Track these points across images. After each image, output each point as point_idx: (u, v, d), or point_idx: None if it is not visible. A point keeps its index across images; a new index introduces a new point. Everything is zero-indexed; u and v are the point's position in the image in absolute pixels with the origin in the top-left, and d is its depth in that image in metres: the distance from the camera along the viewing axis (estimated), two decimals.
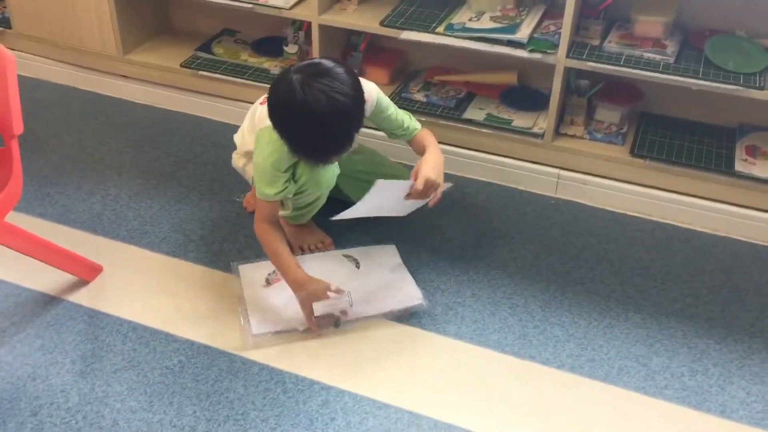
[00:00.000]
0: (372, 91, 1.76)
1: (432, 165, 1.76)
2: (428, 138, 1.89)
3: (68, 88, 2.64)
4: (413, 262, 1.92)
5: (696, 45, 2.05)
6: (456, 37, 2.10)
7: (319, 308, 1.69)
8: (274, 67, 2.45)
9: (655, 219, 2.10)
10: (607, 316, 1.80)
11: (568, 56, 2.01)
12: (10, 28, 2.64)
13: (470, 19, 2.16)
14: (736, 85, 1.91)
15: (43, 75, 2.67)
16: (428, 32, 2.13)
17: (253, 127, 1.83)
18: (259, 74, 2.42)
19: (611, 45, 2.04)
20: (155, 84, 2.53)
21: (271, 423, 1.53)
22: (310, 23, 2.26)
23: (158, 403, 1.56)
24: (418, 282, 1.86)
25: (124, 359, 1.66)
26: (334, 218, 1.75)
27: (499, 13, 2.17)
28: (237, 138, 1.97)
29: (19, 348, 1.68)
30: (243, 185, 2.09)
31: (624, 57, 2.00)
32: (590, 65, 2.00)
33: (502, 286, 1.87)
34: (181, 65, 2.48)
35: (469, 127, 2.21)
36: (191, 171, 2.25)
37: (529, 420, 1.55)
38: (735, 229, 2.04)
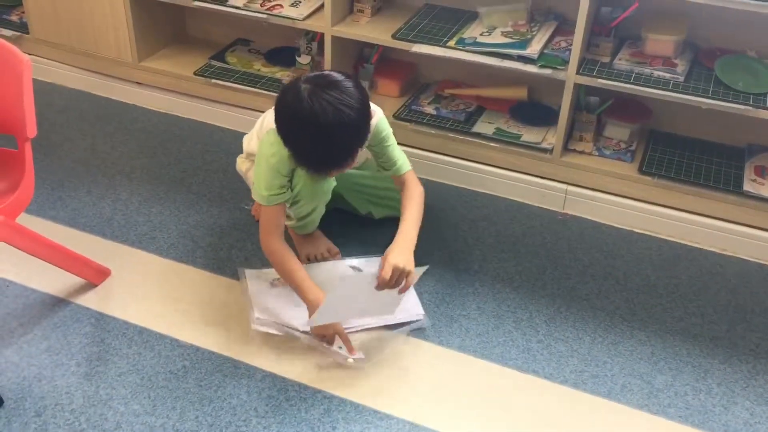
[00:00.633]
0: (375, 114, 1.71)
1: (399, 250, 1.64)
2: (412, 189, 1.79)
3: (83, 93, 2.67)
4: None
5: (706, 64, 2.05)
6: (467, 51, 2.12)
7: (325, 351, 1.70)
8: (286, 77, 2.46)
9: (662, 237, 2.10)
10: (612, 332, 1.79)
11: (578, 72, 2.02)
12: (27, 33, 2.68)
13: (482, 34, 2.17)
14: (745, 104, 1.91)
15: (59, 80, 2.70)
16: (440, 46, 2.14)
17: (261, 131, 1.84)
18: (271, 84, 2.44)
19: (621, 62, 2.05)
20: (168, 91, 2.56)
21: (272, 430, 1.53)
22: (323, 34, 2.28)
23: (161, 407, 1.57)
24: (423, 294, 1.86)
25: (129, 363, 1.67)
26: (309, 324, 1.68)
27: (510, 29, 2.18)
28: (245, 140, 1.98)
29: (26, 349, 1.70)
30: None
31: (634, 74, 2.01)
32: (600, 82, 2.01)
33: (507, 300, 1.87)
34: (195, 73, 2.50)
35: (479, 141, 2.22)
36: (201, 178, 2.27)
37: None
38: (742, 248, 2.04)
